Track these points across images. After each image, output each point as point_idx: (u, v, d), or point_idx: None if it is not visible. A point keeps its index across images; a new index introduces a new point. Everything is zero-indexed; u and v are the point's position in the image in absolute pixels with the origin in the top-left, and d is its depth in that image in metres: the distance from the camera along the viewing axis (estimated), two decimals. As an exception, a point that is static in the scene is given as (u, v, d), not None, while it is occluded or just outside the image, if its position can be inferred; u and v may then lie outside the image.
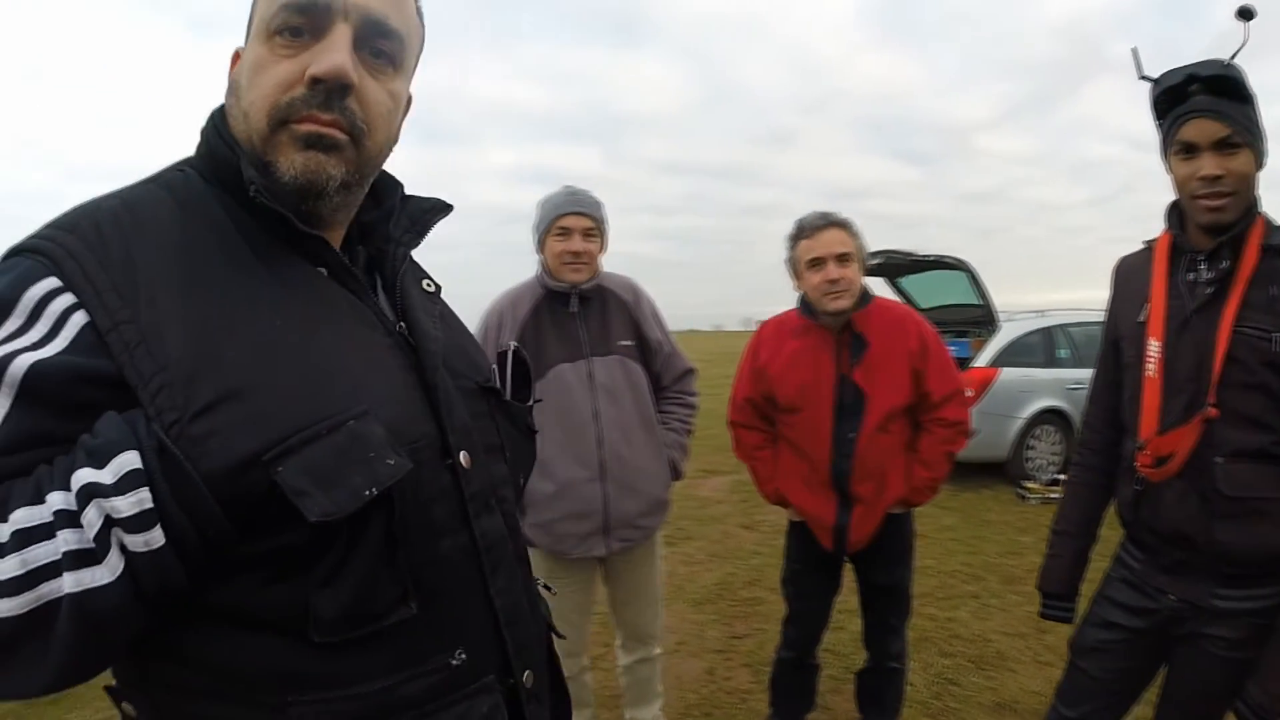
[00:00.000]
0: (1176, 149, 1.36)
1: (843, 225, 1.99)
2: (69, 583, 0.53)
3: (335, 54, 0.67)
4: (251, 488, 0.58)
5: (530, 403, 0.91)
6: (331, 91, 0.67)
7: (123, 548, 0.55)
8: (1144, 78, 1.42)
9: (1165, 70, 1.38)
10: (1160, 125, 1.40)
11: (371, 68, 0.71)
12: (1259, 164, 1.34)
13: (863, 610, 2.24)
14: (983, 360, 6.03)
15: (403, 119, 0.78)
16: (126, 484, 0.54)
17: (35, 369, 0.57)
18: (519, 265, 2.36)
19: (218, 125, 0.73)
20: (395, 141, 0.77)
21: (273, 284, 0.67)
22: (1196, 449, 1.34)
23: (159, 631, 0.60)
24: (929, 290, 7.20)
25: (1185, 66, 1.34)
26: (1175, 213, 1.45)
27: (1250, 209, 1.35)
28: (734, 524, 5.10)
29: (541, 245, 2.08)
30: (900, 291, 7.32)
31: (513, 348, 0.93)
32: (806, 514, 2.10)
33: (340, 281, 0.73)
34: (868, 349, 1.99)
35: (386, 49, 0.71)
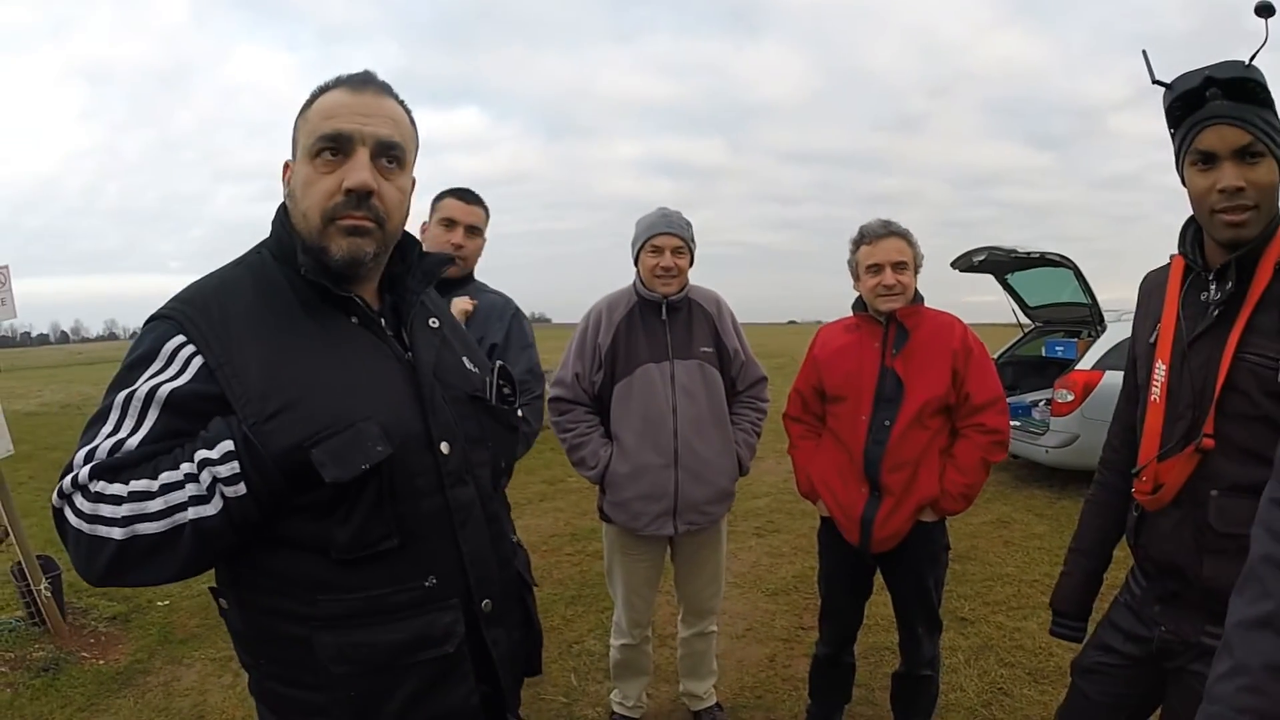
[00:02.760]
0: (1193, 159, 1.26)
1: (902, 235, 2.10)
2: (191, 514, 0.90)
3: (360, 172, 0.98)
4: (297, 462, 0.92)
5: (514, 406, 1.21)
6: (360, 197, 0.99)
7: (222, 495, 0.90)
8: (1157, 82, 1.31)
9: (1180, 74, 1.28)
10: (1175, 134, 1.31)
11: (385, 172, 1.02)
12: None
13: (895, 616, 2.31)
14: (1086, 363, 5.73)
15: (411, 196, 1.10)
16: (225, 458, 0.90)
17: (174, 393, 0.94)
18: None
19: (282, 219, 1.06)
20: (407, 218, 1.09)
21: (317, 332, 1.01)
22: (1192, 480, 1.28)
23: (243, 550, 0.97)
24: (1036, 288, 6.91)
25: (1202, 69, 1.24)
26: (1190, 230, 1.37)
27: (1273, 223, 1.25)
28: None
29: (637, 259, 2.32)
30: (1009, 289, 7.03)
31: (498, 365, 1.21)
32: (835, 504, 2.17)
33: (365, 326, 1.06)
34: (909, 340, 2.10)
35: (395, 156, 1.03)
